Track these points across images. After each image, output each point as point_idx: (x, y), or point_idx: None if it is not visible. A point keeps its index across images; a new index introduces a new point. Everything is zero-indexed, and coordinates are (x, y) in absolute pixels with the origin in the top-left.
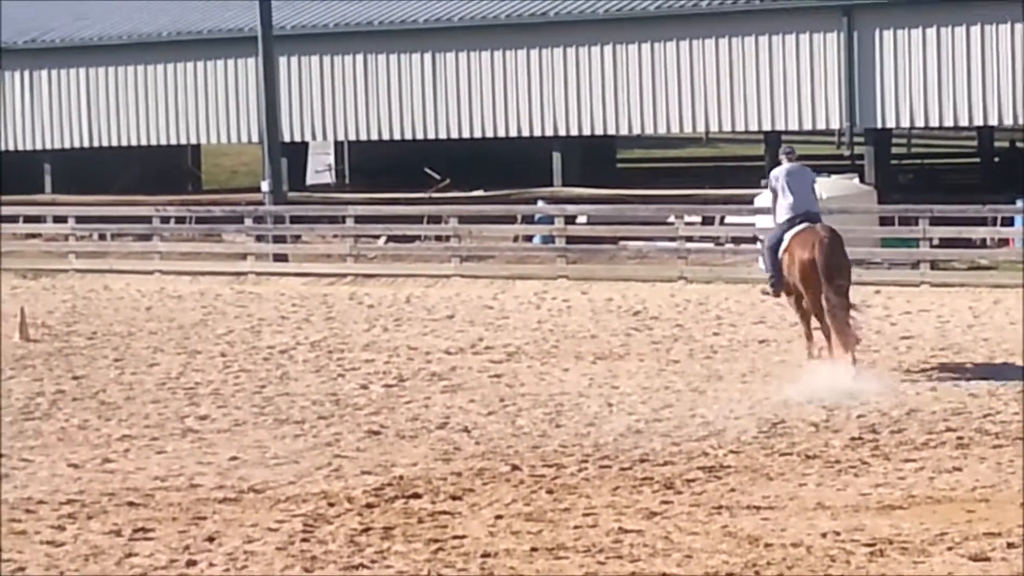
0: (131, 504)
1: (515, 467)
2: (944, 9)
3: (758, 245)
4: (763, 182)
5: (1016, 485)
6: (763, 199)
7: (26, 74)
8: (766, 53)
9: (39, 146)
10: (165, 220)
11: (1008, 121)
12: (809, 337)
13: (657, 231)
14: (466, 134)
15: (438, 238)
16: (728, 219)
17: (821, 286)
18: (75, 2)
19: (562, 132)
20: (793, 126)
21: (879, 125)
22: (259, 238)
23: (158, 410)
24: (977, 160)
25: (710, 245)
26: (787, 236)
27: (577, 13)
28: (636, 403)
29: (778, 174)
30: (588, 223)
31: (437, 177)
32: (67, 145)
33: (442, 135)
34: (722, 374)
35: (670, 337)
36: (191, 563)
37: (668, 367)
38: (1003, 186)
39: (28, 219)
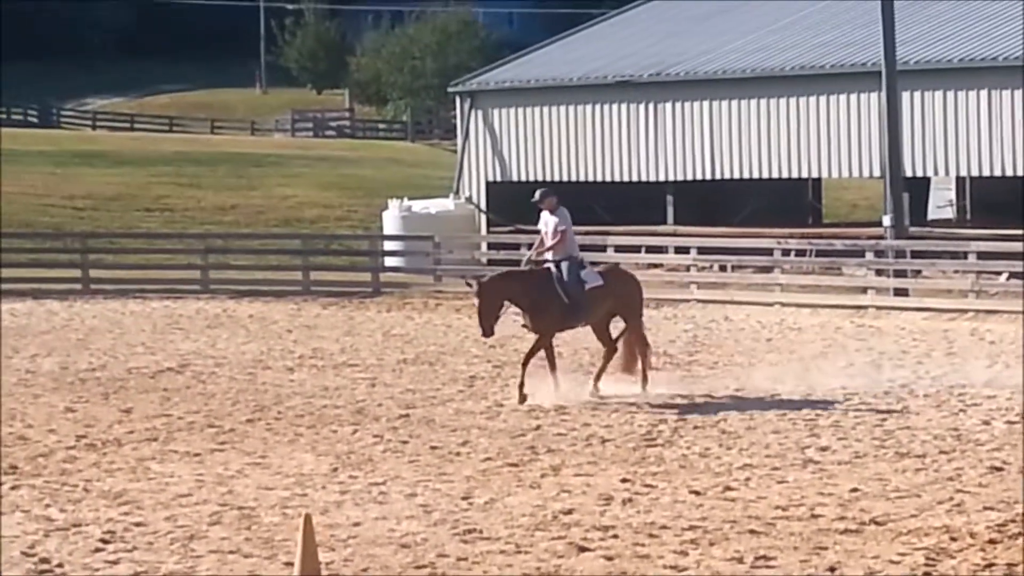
0: (752, 532)
1: None
2: None
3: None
4: None
5: None
6: None
7: (651, 106)
8: None
9: (662, 177)
10: (786, 253)
11: None
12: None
13: None
14: None
15: None
16: None
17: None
18: (700, 37)
19: None
20: None
21: None
22: (879, 272)
23: (779, 440)
24: None
25: None
26: (597, 275)
27: None
28: None
29: (551, 220)
30: None
31: None
32: (690, 177)
33: None
34: None
35: None
36: None
37: None
38: None
39: (650, 249)
